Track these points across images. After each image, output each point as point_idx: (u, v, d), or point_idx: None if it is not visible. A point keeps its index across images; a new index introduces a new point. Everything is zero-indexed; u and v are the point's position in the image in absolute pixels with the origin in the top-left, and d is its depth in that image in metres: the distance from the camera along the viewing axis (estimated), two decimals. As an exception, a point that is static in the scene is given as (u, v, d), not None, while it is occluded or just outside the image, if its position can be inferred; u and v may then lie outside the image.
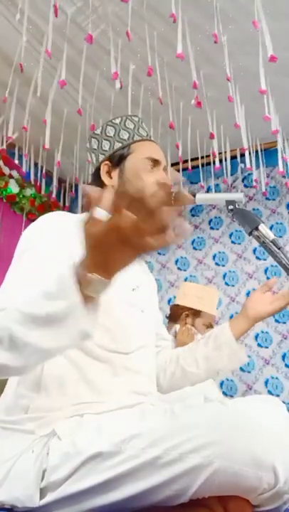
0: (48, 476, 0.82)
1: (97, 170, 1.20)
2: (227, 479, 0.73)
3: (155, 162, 1.18)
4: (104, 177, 1.18)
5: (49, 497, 0.82)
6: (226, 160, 3.32)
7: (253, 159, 3.14)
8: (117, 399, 0.97)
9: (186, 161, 3.34)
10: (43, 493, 0.82)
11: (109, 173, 1.19)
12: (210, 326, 2.32)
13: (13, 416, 0.95)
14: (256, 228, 1.05)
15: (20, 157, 3.16)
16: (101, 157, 1.20)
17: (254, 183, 3.25)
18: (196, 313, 2.32)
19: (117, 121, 1.22)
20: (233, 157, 3.37)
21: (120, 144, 1.19)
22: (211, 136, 2.70)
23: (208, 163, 3.34)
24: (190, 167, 3.44)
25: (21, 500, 0.83)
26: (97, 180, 1.20)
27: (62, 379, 0.96)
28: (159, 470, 0.75)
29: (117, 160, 1.18)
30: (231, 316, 3.40)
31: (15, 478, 0.86)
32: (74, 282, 0.70)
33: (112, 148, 1.19)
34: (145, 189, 1.15)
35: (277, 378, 3.09)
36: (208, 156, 3.26)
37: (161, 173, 1.19)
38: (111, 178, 1.18)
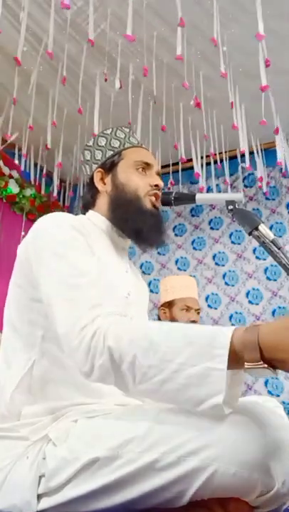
0: (45, 482, 0.82)
1: (91, 178, 1.22)
2: (225, 481, 0.73)
3: (147, 165, 1.20)
4: (98, 184, 1.20)
5: (46, 503, 0.82)
6: (226, 160, 3.32)
7: (256, 159, 3.14)
8: (108, 401, 0.97)
9: (186, 161, 3.34)
10: (40, 498, 0.82)
11: (102, 179, 1.21)
12: (188, 309, 2.27)
13: (6, 423, 0.95)
14: (256, 228, 1.06)
15: (20, 157, 3.16)
16: (94, 166, 1.23)
17: (259, 183, 3.24)
18: (170, 304, 2.30)
19: (108, 131, 1.26)
20: (234, 157, 3.37)
21: (112, 152, 1.22)
22: (205, 138, 2.70)
23: (209, 164, 3.34)
24: (195, 168, 3.44)
25: (19, 507, 0.83)
26: (91, 189, 1.22)
27: (52, 383, 0.96)
28: (157, 473, 0.75)
29: (109, 166, 1.20)
30: (231, 316, 3.40)
31: (11, 485, 0.85)
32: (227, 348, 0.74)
33: (104, 157, 1.22)
34: (138, 190, 1.16)
35: (277, 378, 3.09)
36: (208, 156, 3.26)
37: (153, 175, 1.21)
38: (104, 184, 1.20)
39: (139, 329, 0.85)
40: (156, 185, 1.17)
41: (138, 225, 1.14)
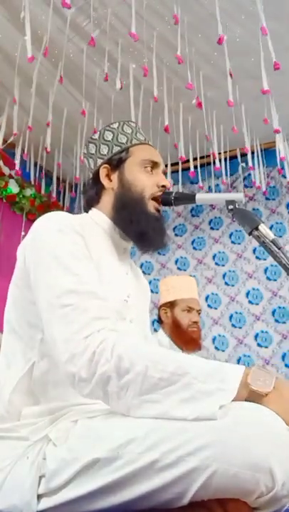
0: (45, 483, 0.82)
1: (96, 174, 1.20)
2: (224, 482, 0.72)
3: (154, 164, 1.19)
4: (103, 180, 1.18)
5: (47, 503, 0.81)
6: (226, 160, 3.32)
7: (258, 159, 3.14)
8: None
9: (186, 161, 3.34)
10: (40, 499, 0.82)
11: (108, 176, 1.18)
12: (190, 310, 2.27)
13: (6, 424, 0.94)
14: (256, 228, 1.05)
15: (20, 157, 3.16)
16: (99, 161, 1.20)
17: (257, 184, 3.24)
18: (171, 305, 2.30)
19: (115, 126, 1.23)
20: (234, 157, 3.38)
21: (119, 148, 1.19)
22: (207, 139, 2.70)
23: (209, 163, 3.34)
24: (191, 167, 3.44)
25: (19, 508, 0.83)
26: (96, 184, 1.20)
27: (52, 384, 0.96)
28: (157, 474, 0.75)
29: (116, 163, 1.18)
30: (231, 316, 3.40)
31: (11, 485, 0.85)
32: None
33: (110, 152, 1.19)
34: (145, 190, 1.15)
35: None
36: (208, 156, 3.26)
37: (160, 175, 1.19)
38: (110, 180, 1.18)
39: (149, 345, 0.89)
40: (163, 186, 1.16)
41: (142, 228, 1.13)
